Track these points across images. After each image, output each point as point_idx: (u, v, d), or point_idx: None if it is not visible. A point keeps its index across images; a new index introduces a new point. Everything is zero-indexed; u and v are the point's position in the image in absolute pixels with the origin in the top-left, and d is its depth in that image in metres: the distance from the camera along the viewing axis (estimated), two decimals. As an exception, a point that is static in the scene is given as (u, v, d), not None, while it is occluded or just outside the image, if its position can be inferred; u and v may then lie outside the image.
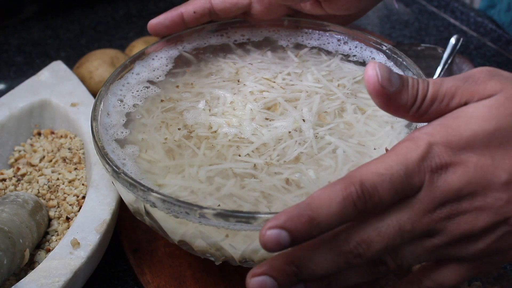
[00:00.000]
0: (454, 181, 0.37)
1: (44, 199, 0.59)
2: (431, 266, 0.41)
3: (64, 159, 0.62)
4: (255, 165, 0.49)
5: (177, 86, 0.60)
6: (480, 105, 0.38)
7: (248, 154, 0.50)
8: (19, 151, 0.64)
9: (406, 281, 0.41)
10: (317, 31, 0.64)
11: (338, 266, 0.37)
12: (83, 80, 0.73)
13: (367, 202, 0.35)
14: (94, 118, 0.52)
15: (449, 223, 0.37)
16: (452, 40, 0.74)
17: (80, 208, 0.56)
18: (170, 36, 0.63)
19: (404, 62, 0.58)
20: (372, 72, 0.37)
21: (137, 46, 0.79)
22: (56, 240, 0.55)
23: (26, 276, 0.48)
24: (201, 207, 0.43)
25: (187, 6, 0.62)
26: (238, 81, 0.58)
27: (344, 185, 0.35)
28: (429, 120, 0.39)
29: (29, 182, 0.60)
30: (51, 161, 0.62)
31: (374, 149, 0.51)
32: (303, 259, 0.36)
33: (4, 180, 0.61)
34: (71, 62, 0.78)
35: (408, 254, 0.38)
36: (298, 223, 0.35)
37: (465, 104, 0.38)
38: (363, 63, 0.61)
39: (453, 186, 0.37)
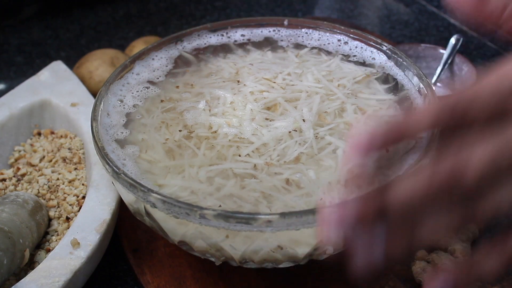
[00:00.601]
0: None
1: (44, 199, 0.59)
2: None
3: (64, 159, 0.62)
4: (255, 165, 0.49)
5: (177, 86, 0.59)
6: None
7: (248, 154, 0.50)
8: (19, 151, 0.64)
9: (491, 247, 0.36)
10: (317, 31, 0.64)
11: (431, 187, 0.32)
12: (83, 80, 0.73)
13: (465, 114, 0.32)
14: (94, 118, 0.52)
15: None
16: (452, 40, 0.74)
17: (80, 208, 0.56)
18: (171, 35, 0.63)
19: (404, 62, 0.58)
20: None
21: (137, 46, 0.79)
22: (56, 240, 0.55)
23: (26, 276, 0.48)
24: (201, 208, 0.43)
25: None
26: (238, 81, 0.58)
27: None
28: None
29: (29, 182, 0.60)
30: (51, 161, 0.62)
31: (374, 149, 0.51)
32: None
33: (4, 180, 0.61)
34: (71, 62, 0.78)
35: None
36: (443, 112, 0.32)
37: None
38: (363, 63, 0.61)
39: None
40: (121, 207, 0.55)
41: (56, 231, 0.56)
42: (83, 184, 0.59)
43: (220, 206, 0.46)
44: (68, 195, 0.58)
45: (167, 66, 0.62)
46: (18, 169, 0.61)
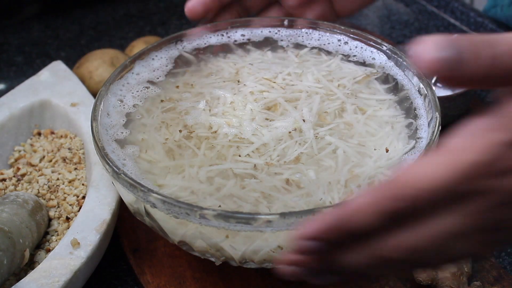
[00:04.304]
0: None
1: (44, 199, 0.59)
2: None
3: (64, 159, 0.62)
4: (255, 165, 0.49)
5: (177, 86, 0.59)
6: None
7: (248, 154, 0.50)
8: (19, 151, 0.64)
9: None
10: (317, 31, 0.64)
11: (369, 266, 0.34)
12: (83, 80, 0.73)
13: (407, 217, 0.32)
14: (94, 118, 0.52)
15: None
16: (452, 40, 0.74)
17: (80, 208, 0.56)
18: (171, 35, 0.63)
19: (404, 62, 0.58)
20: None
21: (137, 46, 0.78)
22: (56, 240, 0.55)
23: (26, 276, 0.48)
24: (201, 208, 0.43)
25: None
26: (238, 81, 0.58)
27: (382, 197, 0.32)
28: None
29: (29, 182, 0.60)
30: (51, 161, 0.62)
31: (374, 149, 0.51)
32: (334, 254, 0.34)
33: (4, 180, 0.61)
34: (71, 62, 0.78)
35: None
36: (330, 232, 0.33)
37: None
38: (363, 63, 0.61)
39: None
40: (121, 207, 0.55)
41: (56, 231, 0.56)
42: (83, 184, 0.59)
43: (220, 206, 0.46)
44: (68, 195, 0.58)
45: (167, 66, 0.62)
46: (18, 169, 0.61)
